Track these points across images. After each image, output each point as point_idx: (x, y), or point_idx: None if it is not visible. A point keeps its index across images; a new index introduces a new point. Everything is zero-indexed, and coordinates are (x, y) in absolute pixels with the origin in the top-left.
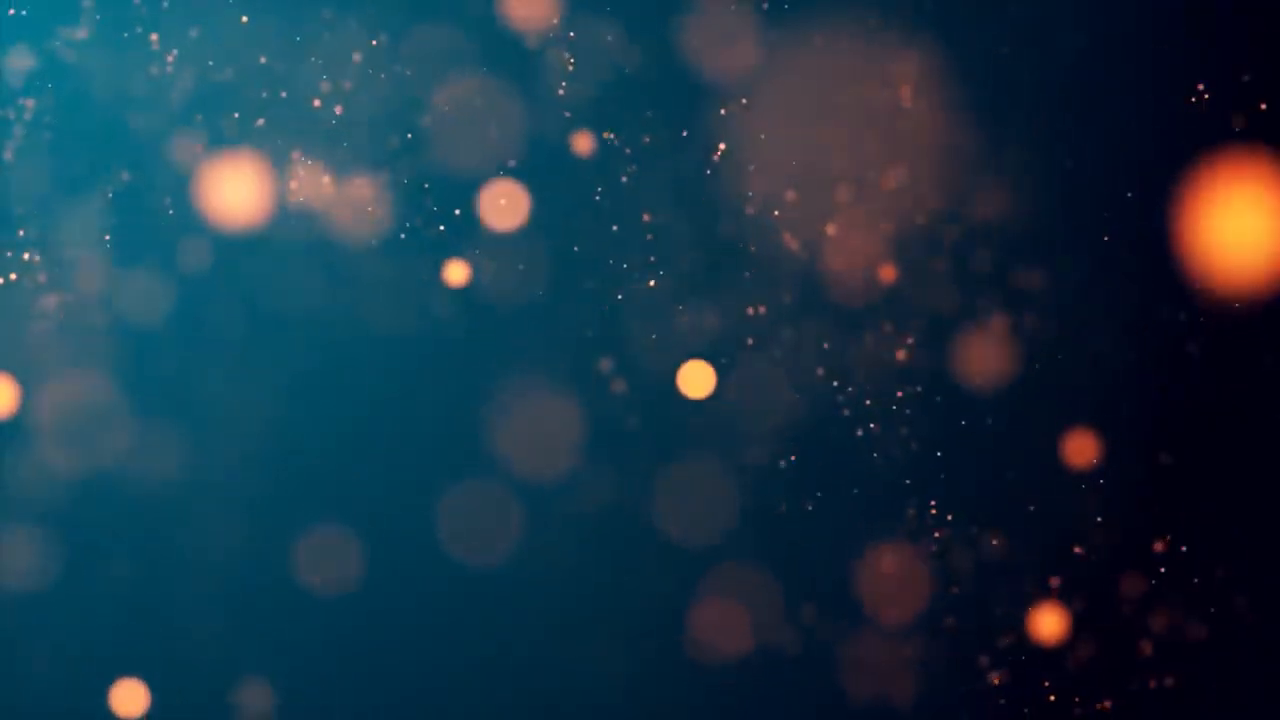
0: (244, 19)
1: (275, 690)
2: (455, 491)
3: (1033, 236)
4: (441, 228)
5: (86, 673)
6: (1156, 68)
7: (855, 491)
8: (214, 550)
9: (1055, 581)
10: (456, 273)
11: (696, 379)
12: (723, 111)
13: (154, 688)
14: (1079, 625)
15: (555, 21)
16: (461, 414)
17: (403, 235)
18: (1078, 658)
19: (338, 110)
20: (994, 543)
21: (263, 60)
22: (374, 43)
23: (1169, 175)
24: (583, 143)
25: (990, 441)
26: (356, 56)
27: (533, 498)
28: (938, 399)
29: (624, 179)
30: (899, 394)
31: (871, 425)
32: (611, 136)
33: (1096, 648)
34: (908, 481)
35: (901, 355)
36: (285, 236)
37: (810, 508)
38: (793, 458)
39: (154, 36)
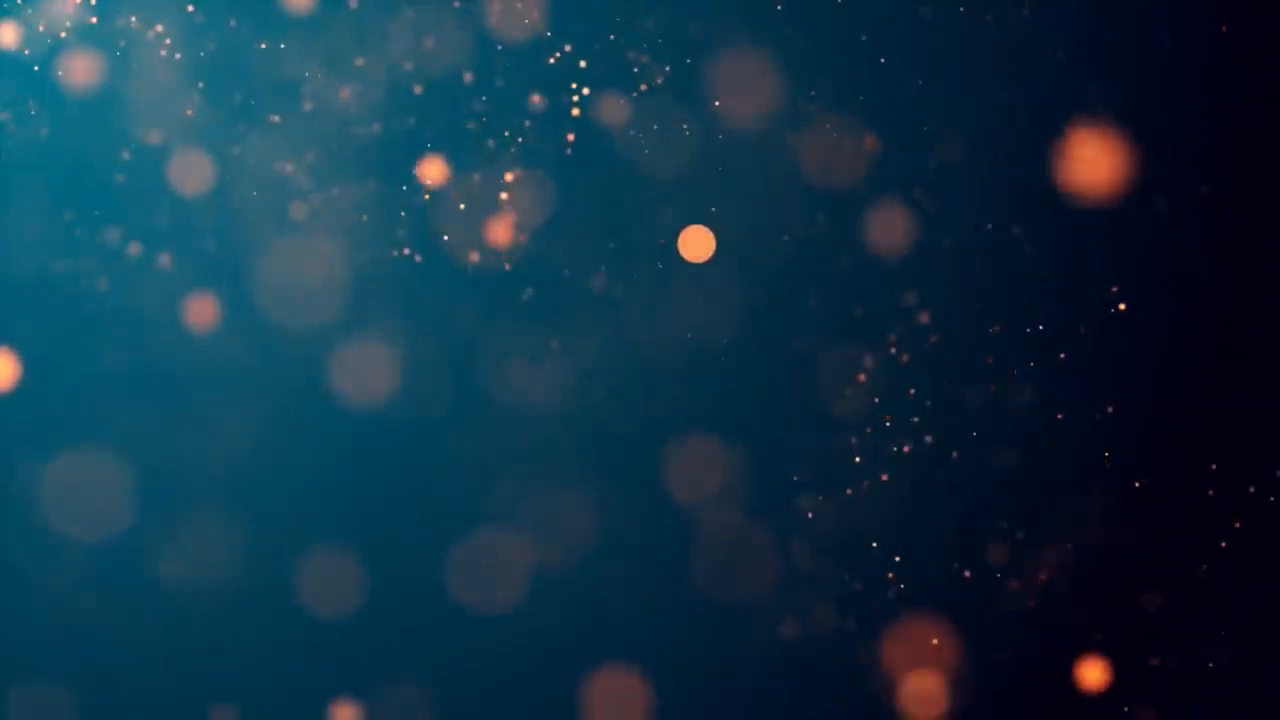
0: (261, 45)
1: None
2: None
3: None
4: (446, 238)
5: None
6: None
7: (861, 493)
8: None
9: (1067, 579)
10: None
11: (697, 243)
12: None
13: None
14: (1084, 623)
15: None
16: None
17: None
18: (1087, 656)
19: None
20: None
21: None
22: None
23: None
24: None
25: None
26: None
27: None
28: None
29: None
30: (910, 391)
31: (887, 421)
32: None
33: (1106, 646)
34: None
35: (906, 359)
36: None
37: (821, 509)
38: (796, 478)
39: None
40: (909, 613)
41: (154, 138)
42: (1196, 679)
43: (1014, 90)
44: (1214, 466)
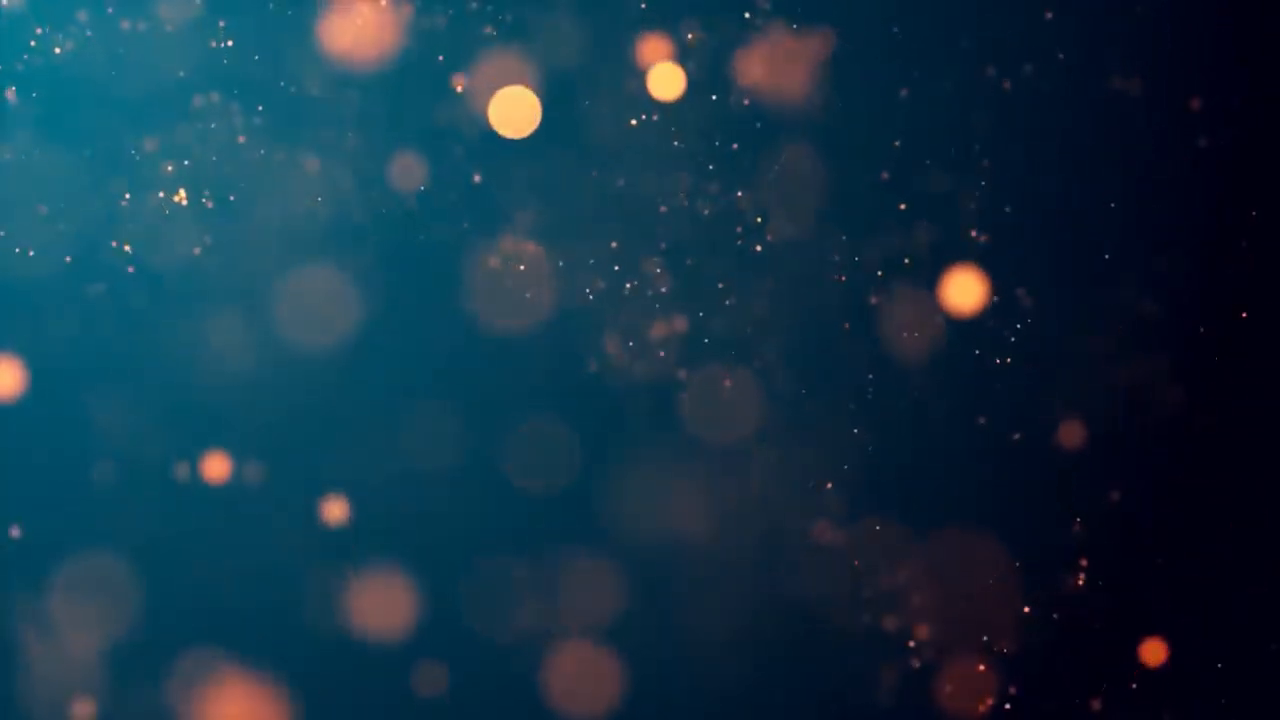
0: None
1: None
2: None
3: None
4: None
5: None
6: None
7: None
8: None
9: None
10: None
11: (668, 79)
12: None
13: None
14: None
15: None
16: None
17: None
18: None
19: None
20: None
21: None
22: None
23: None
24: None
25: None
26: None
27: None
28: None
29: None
30: (918, 384)
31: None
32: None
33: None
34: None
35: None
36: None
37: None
38: (822, 486)
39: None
40: (913, 611)
41: (157, 138)
42: (1197, 679)
43: (1014, 89)
44: (1214, 467)
